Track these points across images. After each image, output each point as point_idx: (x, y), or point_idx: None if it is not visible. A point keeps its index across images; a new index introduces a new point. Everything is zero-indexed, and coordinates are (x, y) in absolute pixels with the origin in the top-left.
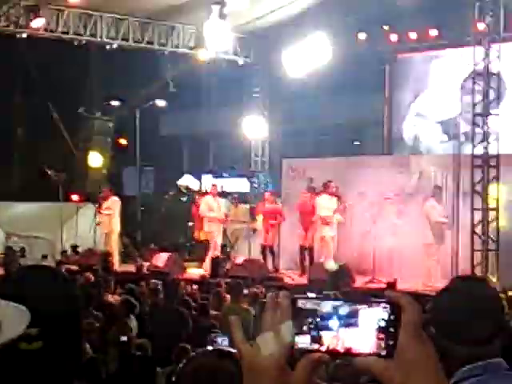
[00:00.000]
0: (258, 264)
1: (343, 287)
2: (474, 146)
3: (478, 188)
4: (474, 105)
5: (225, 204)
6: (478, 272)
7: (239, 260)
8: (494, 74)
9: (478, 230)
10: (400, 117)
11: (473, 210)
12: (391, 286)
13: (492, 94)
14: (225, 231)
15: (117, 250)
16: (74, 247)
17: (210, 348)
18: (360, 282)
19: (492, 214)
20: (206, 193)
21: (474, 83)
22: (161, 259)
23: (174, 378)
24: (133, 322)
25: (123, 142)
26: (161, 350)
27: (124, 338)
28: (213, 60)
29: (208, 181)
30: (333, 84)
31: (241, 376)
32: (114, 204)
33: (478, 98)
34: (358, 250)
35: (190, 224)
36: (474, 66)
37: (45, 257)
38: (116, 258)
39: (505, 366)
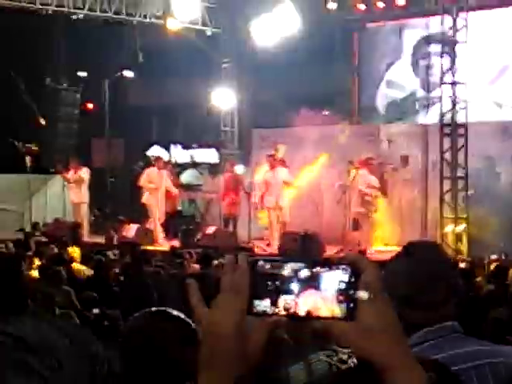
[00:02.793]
0: (228, 234)
1: (313, 257)
2: (442, 115)
3: (447, 156)
4: (443, 73)
5: (193, 174)
6: (449, 240)
7: (209, 230)
8: (462, 43)
9: (447, 198)
10: (372, 86)
11: (442, 178)
12: (361, 254)
13: (459, 63)
14: (194, 201)
15: (86, 221)
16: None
17: (152, 309)
18: (330, 251)
19: (461, 183)
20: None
21: (442, 52)
22: (130, 230)
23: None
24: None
25: (90, 106)
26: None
27: (96, 311)
28: (181, 30)
29: (177, 151)
30: (301, 53)
31: (182, 336)
32: (83, 175)
33: (446, 66)
34: (327, 220)
35: None
36: (442, 35)
37: (21, 230)
38: (86, 230)
39: (458, 328)
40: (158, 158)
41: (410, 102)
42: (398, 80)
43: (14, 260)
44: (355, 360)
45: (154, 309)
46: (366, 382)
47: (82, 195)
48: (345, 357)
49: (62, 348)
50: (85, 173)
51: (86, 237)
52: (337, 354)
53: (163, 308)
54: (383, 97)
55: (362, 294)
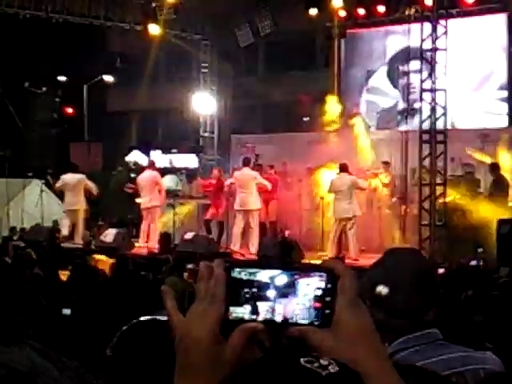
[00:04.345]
0: (207, 240)
1: (292, 263)
2: (421, 122)
3: (426, 163)
4: (422, 80)
5: (172, 180)
6: (426, 246)
7: (188, 236)
8: (441, 50)
9: (426, 204)
10: (354, 92)
11: (421, 184)
12: (339, 261)
13: (439, 70)
14: (173, 206)
15: (82, 226)
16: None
17: (143, 318)
18: (309, 257)
19: (439, 189)
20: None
21: (422, 59)
22: (109, 235)
23: (108, 351)
24: None
25: (69, 110)
26: (107, 326)
27: (67, 312)
28: (161, 35)
29: (157, 156)
30: (282, 60)
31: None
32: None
33: (426, 73)
34: (306, 226)
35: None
36: (422, 42)
37: None
38: (80, 235)
39: (439, 336)
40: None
41: (393, 108)
42: (380, 86)
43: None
44: (336, 367)
45: (143, 318)
46: None
47: (80, 200)
48: (325, 363)
49: (56, 379)
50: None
51: (79, 240)
52: (317, 360)
53: (152, 316)
54: (366, 103)
55: (382, 289)
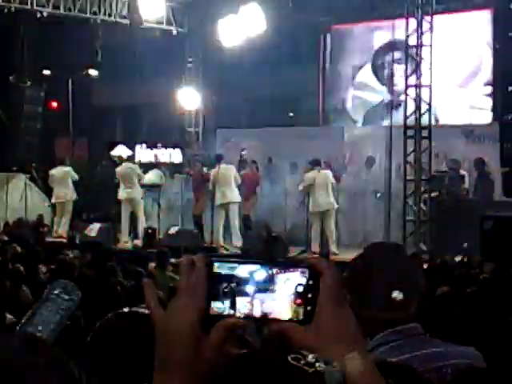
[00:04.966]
0: (191, 234)
1: (277, 258)
2: (406, 117)
3: (411, 159)
4: (407, 76)
5: (157, 174)
6: (410, 241)
7: (172, 230)
8: (427, 46)
9: (410, 200)
10: (340, 88)
11: (405, 180)
12: (324, 257)
13: (424, 66)
14: (157, 201)
15: (69, 219)
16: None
17: (124, 310)
18: (293, 252)
19: (424, 185)
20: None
21: (407, 55)
22: (93, 230)
23: (88, 339)
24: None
25: (54, 104)
26: (92, 321)
27: None
28: (146, 29)
29: (142, 151)
30: (267, 55)
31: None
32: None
33: (410, 69)
34: (291, 222)
35: None
36: (407, 38)
37: None
38: (66, 228)
39: (420, 330)
40: None
41: (380, 104)
42: (367, 82)
43: None
44: (323, 364)
45: (126, 310)
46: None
47: (67, 193)
48: (312, 360)
49: (44, 372)
50: (66, 171)
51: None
52: (304, 357)
53: (135, 309)
54: (352, 99)
55: (397, 295)
